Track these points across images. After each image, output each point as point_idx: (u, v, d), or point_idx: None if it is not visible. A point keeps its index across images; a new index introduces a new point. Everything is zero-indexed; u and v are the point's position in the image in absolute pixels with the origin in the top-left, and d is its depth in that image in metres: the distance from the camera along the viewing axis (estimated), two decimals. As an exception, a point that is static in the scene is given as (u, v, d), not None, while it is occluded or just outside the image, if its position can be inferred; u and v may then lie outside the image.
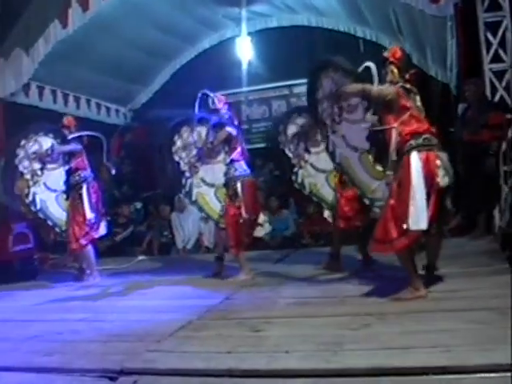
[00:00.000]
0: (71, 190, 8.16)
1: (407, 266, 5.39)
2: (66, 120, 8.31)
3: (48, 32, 10.00)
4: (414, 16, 9.55)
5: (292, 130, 7.44)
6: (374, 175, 6.16)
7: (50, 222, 8.51)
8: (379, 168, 6.03)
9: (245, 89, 13.10)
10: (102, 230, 8.27)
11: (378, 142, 5.74)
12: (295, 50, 12.44)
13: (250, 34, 12.55)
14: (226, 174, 7.43)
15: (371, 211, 6.47)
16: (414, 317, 4.63)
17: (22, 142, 8.49)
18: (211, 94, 7.58)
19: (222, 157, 7.70)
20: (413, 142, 5.27)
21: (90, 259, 8.22)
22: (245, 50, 12.51)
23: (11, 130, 9.95)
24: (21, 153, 8.43)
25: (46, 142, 8.48)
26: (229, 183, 7.36)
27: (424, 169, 5.19)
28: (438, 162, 5.26)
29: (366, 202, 6.36)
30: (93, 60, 11.47)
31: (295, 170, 7.41)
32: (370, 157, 6.12)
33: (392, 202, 5.30)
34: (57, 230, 8.59)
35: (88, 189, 8.04)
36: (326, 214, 7.34)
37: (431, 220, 5.21)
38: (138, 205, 12.22)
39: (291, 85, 12.96)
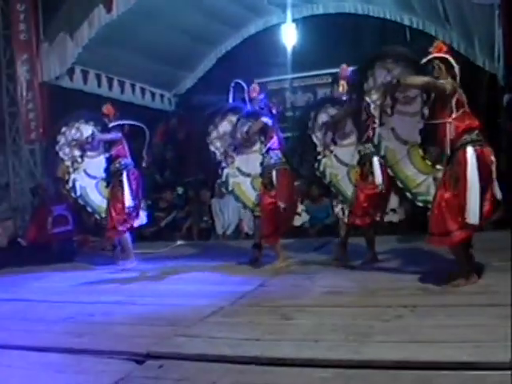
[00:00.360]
0: (111, 177, 8.16)
1: (459, 257, 5.47)
2: (105, 108, 8.27)
3: (92, 16, 10.10)
4: (462, 4, 9.36)
5: (323, 118, 7.25)
6: (421, 169, 6.06)
7: (89, 209, 8.51)
8: (428, 162, 5.99)
9: (289, 76, 12.98)
10: (143, 218, 8.27)
11: (430, 136, 5.74)
12: (341, 37, 12.24)
13: (295, 20, 12.39)
14: (261, 163, 7.39)
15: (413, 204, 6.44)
16: (446, 310, 4.53)
17: (63, 129, 8.48)
18: (244, 84, 7.56)
19: (257, 146, 7.62)
20: (467, 137, 5.31)
21: (126, 245, 8.22)
22: (290, 37, 12.35)
23: (56, 114, 10.07)
24: (62, 139, 8.42)
25: (87, 130, 8.45)
26: (264, 172, 7.33)
27: (479, 164, 5.22)
28: (493, 158, 5.31)
29: (408, 196, 6.23)
30: (137, 45, 11.48)
31: (319, 157, 7.25)
32: (420, 151, 6.03)
33: (447, 195, 5.32)
34: (96, 216, 8.59)
35: (128, 176, 8.02)
36: (337, 209, 7.20)
37: (487, 215, 5.34)
38: (180, 190, 12.21)
39: (336, 72, 12.76)
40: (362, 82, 6.19)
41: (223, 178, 7.72)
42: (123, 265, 8.08)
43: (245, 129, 7.47)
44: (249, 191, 7.68)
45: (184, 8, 11.10)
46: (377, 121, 6.09)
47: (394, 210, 9.33)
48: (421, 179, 6.05)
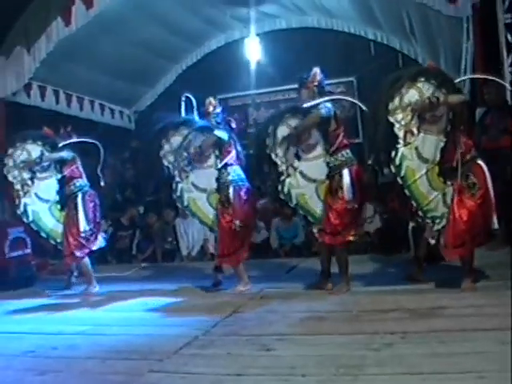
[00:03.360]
0: (66, 200, 7.80)
1: (471, 261, 5.89)
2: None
3: (50, 30, 9.67)
4: (429, 17, 9.25)
5: (283, 132, 6.73)
6: (434, 186, 6.02)
7: (43, 234, 8.06)
8: (441, 179, 5.99)
9: (252, 91, 12.74)
10: (100, 242, 7.90)
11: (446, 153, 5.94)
12: (305, 52, 12.01)
13: (258, 35, 12.17)
14: (218, 178, 7.14)
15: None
16: (439, 337, 4.26)
17: (10, 151, 8.05)
18: (193, 98, 7.46)
19: (212, 161, 7.38)
20: (473, 152, 5.87)
21: (87, 270, 7.83)
22: (253, 52, 12.13)
23: (13, 131, 9.64)
24: (9, 162, 7.99)
25: (35, 150, 8.01)
26: (221, 188, 7.07)
27: None
28: None
29: (420, 213, 6.12)
30: (97, 60, 11.14)
31: (282, 178, 6.76)
32: (436, 168, 5.99)
33: (468, 205, 5.76)
34: (51, 242, 8.14)
35: (84, 198, 7.68)
36: (316, 229, 6.86)
37: None
38: (141, 209, 11.84)
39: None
40: (388, 101, 6.00)
41: (178, 193, 7.43)
42: (85, 290, 7.69)
43: (198, 143, 7.23)
44: (205, 207, 7.40)
45: (144, 23, 10.78)
46: (401, 141, 5.97)
47: (368, 219, 9.15)
48: (432, 196, 6.01)
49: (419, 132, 5.94)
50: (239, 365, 4.01)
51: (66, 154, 7.76)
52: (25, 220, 7.98)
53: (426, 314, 4.99)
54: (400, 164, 5.96)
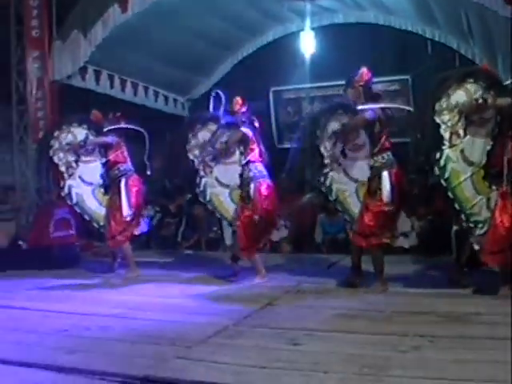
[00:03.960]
0: (110, 184, 7.93)
1: (509, 268, 5.72)
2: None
3: (107, 16, 9.78)
4: (486, 18, 9.03)
5: (333, 127, 6.82)
6: (479, 190, 5.95)
7: (86, 217, 8.24)
8: (486, 183, 5.91)
9: (307, 85, 12.67)
10: (142, 227, 8.02)
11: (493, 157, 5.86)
12: (361, 47, 11.92)
13: (314, 28, 12.07)
14: (241, 175, 7.23)
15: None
16: (467, 343, 4.23)
17: (56, 133, 8.24)
18: (222, 95, 7.52)
19: (236, 157, 7.52)
20: None
21: (128, 254, 7.94)
22: (309, 45, 12.03)
23: (66, 113, 9.82)
24: (55, 144, 8.17)
25: (81, 133, 8.22)
26: (243, 184, 7.16)
27: None
28: None
29: (463, 217, 6.04)
30: (152, 47, 11.19)
31: (326, 171, 6.87)
32: (482, 172, 5.91)
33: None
34: (94, 224, 8.30)
35: (127, 183, 7.75)
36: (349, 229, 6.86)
37: None
38: (188, 197, 11.90)
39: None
40: (435, 101, 5.96)
41: (201, 188, 7.62)
42: (125, 274, 7.80)
43: (224, 139, 7.36)
44: (226, 203, 7.62)
45: (201, 12, 10.79)
46: (446, 142, 5.92)
47: (405, 235, 9.05)
48: (476, 200, 5.93)
49: (466, 134, 5.87)
50: (264, 357, 4.01)
51: (109, 139, 7.84)
52: (69, 202, 8.16)
53: (458, 319, 4.94)
54: (444, 166, 5.90)
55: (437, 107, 5.92)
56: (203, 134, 7.65)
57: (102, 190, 8.10)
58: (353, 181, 6.76)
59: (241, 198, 7.18)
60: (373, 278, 6.56)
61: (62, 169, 8.12)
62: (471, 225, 5.97)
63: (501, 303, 5.32)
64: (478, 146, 5.89)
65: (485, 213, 5.86)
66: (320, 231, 10.13)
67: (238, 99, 7.38)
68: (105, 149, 7.97)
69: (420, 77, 11.39)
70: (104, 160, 7.99)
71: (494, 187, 5.82)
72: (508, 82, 5.85)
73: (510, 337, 4.07)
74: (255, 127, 7.29)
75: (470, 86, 5.87)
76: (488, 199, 5.85)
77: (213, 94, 7.61)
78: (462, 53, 11.01)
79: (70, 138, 8.15)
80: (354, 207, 6.67)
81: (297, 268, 7.92)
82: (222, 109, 7.52)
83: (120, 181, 7.75)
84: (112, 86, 11.67)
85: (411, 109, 6.80)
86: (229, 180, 7.55)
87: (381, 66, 12.35)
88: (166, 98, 13.57)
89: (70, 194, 8.11)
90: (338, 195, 6.80)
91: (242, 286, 7.00)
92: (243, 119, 7.24)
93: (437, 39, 11.39)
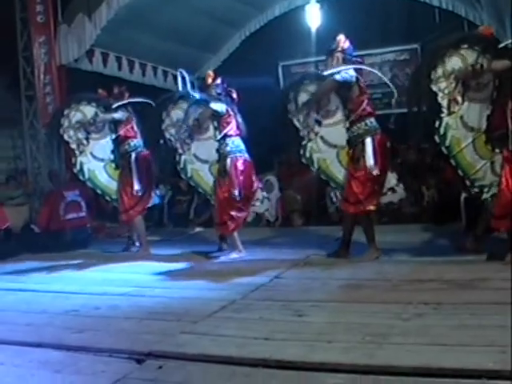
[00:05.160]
0: (121, 159, 8.00)
1: None
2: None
3: (111, -3, 9.82)
4: (494, -18, 8.98)
5: (303, 98, 6.82)
6: (481, 155, 5.95)
7: (98, 191, 8.35)
8: (489, 147, 5.89)
9: (315, 58, 12.60)
10: (154, 200, 8.11)
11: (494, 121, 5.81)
12: (367, 19, 11.90)
13: (319, 1, 12.00)
14: (217, 149, 7.28)
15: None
16: (472, 309, 4.22)
17: (65, 112, 8.31)
18: (185, 73, 7.78)
19: (211, 133, 7.62)
20: None
21: (140, 230, 8.05)
22: (315, 18, 11.98)
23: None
24: (65, 122, 8.24)
25: (90, 112, 8.28)
26: (220, 159, 7.22)
27: None
28: None
29: (467, 183, 6.07)
30: (159, 26, 11.22)
31: (304, 142, 6.87)
32: (483, 136, 5.90)
33: None
34: (107, 198, 8.40)
35: (137, 158, 7.83)
36: (332, 194, 6.88)
37: None
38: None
39: (362, 55, 12.38)
40: (430, 70, 5.97)
41: (181, 165, 7.77)
42: (137, 252, 7.89)
43: (196, 116, 7.45)
44: (207, 178, 7.76)
45: (208, -11, 10.82)
46: (445, 110, 5.93)
47: (392, 189, 9.06)
48: (480, 165, 5.94)
49: (464, 100, 5.84)
50: (268, 329, 4.06)
51: (118, 115, 7.91)
52: (81, 178, 8.27)
53: (463, 286, 4.94)
54: (445, 133, 5.90)
55: (433, 75, 5.91)
56: (176, 113, 7.80)
57: (114, 165, 8.21)
58: (332, 147, 6.78)
59: (218, 172, 7.23)
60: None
61: (73, 146, 8.22)
62: (476, 190, 5.98)
63: (507, 269, 5.31)
64: (477, 112, 5.86)
65: (490, 177, 5.86)
66: (330, 203, 10.10)
67: (210, 72, 7.55)
68: (115, 125, 8.05)
69: (428, 46, 11.34)
70: (114, 136, 8.08)
71: (497, 151, 5.78)
72: (503, 44, 5.76)
73: (511, 301, 4.08)
74: (233, 99, 7.30)
75: (465, 52, 5.84)
76: (492, 163, 5.83)
77: (178, 73, 7.83)
78: (471, 19, 10.90)
79: (79, 116, 8.25)
80: (338, 173, 6.74)
81: (307, 241, 7.93)
82: (189, 86, 7.72)
83: (130, 156, 7.84)
84: (120, 68, 11.73)
85: (389, 82, 6.86)
86: (207, 155, 7.68)
87: (389, 36, 12.34)
88: (175, 77, 13.55)
89: (81, 170, 8.21)
90: (320, 164, 6.86)
91: (250, 260, 7.01)
92: (218, 91, 7.24)
93: (444, 7, 11.29)
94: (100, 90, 8.23)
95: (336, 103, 6.66)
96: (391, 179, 8.70)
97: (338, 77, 6.23)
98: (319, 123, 6.77)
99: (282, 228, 10.09)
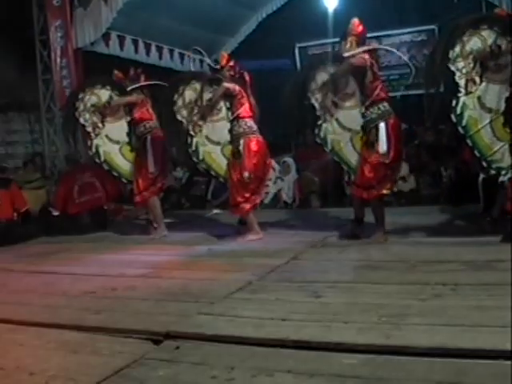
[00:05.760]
0: (136, 141, 8.03)
1: None
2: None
3: (126, -21, 9.81)
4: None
5: (322, 77, 6.79)
6: (499, 136, 5.86)
7: (114, 173, 8.36)
8: (507, 129, 5.78)
9: (331, 40, 12.53)
10: (169, 181, 8.10)
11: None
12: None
13: (337, -18, 11.95)
14: (230, 130, 7.22)
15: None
16: (490, 289, 4.18)
17: (81, 95, 8.32)
18: (203, 51, 7.84)
19: (224, 113, 7.58)
20: None
21: (155, 212, 8.06)
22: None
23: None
24: (80, 106, 8.26)
25: (105, 95, 8.30)
26: (233, 140, 7.16)
27: None
28: None
29: (484, 164, 5.98)
30: (175, 9, 11.23)
31: (319, 122, 6.84)
32: (501, 118, 5.81)
33: None
34: (123, 180, 8.42)
35: (152, 140, 7.84)
36: (346, 179, 6.85)
37: None
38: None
39: (380, 36, 12.33)
40: (447, 49, 5.88)
41: (193, 147, 7.65)
42: (154, 233, 7.93)
43: (208, 96, 7.40)
44: (220, 159, 7.67)
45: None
46: (462, 90, 5.85)
47: (403, 179, 9.01)
48: (497, 147, 5.85)
49: (482, 81, 5.77)
50: (285, 310, 4.06)
51: (133, 98, 7.93)
52: (97, 160, 8.29)
53: (482, 267, 4.91)
54: (461, 113, 5.84)
55: (450, 54, 5.84)
56: (189, 94, 7.70)
57: (129, 147, 8.23)
58: (346, 130, 6.76)
59: (232, 154, 7.18)
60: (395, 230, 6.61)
61: (89, 129, 8.24)
62: (493, 172, 5.92)
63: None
64: (495, 93, 5.78)
65: (508, 159, 5.77)
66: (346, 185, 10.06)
67: (224, 54, 7.49)
68: (130, 107, 8.06)
69: (447, 26, 11.23)
70: (129, 118, 8.11)
71: None
72: None
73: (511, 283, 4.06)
74: (245, 81, 7.24)
75: (485, 33, 5.76)
76: (510, 145, 5.73)
77: (191, 51, 7.74)
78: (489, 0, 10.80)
79: (94, 99, 8.26)
80: (351, 157, 6.71)
81: (324, 222, 7.93)
82: (207, 60, 7.89)
83: (146, 138, 7.85)
84: (136, 51, 11.76)
85: (409, 62, 6.75)
86: (219, 137, 7.62)
87: (407, 17, 12.28)
88: (193, 60, 13.54)
89: (97, 152, 8.23)
90: (334, 146, 6.84)
91: (267, 242, 6.99)
92: (231, 73, 7.19)
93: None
94: (116, 72, 8.21)
95: (353, 88, 6.62)
96: (404, 168, 8.65)
97: (353, 60, 6.21)
98: (336, 105, 6.72)
99: (300, 210, 10.07)
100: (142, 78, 8.05)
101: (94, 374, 3.24)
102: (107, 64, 10.57)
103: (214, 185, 11.16)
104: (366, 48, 6.27)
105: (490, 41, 5.72)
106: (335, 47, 12.75)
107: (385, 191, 6.42)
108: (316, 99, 6.82)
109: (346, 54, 6.28)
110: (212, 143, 7.70)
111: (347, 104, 6.77)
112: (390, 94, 8.82)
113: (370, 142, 6.29)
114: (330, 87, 6.62)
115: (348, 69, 6.34)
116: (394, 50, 7.73)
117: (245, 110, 7.08)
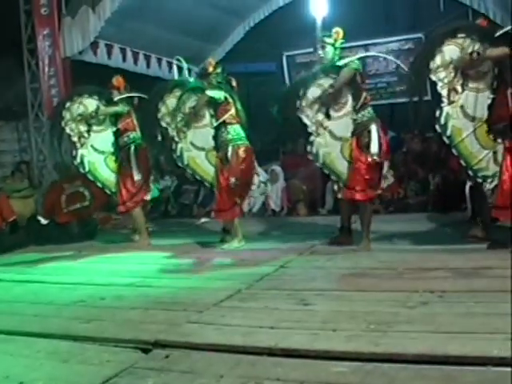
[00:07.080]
0: (120, 151, 8.05)
1: None
2: (115, 80, 8.10)
3: (115, -11, 9.82)
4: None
5: (313, 92, 6.67)
6: (484, 145, 5.91)
7: (99, 184, 8.32)
8: (491, 137, 5.85)
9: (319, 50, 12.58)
10: (153, 192, 8.11)
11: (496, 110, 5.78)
12: (372, 8, 11.90)
13: (325, -10, 11.98)
14: (215, 137, 7.31)
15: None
16: (477, 297, 4.22)
17: (67, 105, 8.30)
18: (183, 61, 7.98)
19: (207, 120, 7.61)
20: None
21: (138, 221, 8.10)
22: (320, 8, 11.94)
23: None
24: (67, 115, 8.24)
25: (91, 104, 8.27)
26: (221, 147, 7.22)
27: None
28: None
29: (470, 173, 6.07)
30: (163, 18, 11.22)
31: (311, 139, 6.74)
32: (485, 126, 5.87)
33: None
34: (106, 191, 8.37)
35: (136, 150, 7.90)
36: (335, 187, 6.84)
37: None
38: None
39: (367, 44, 12.40)
40: (428, 59, 5.94)
41: (177, 153, 7.74)
42: (137, 242, 7.98)
43: (192, 103, 7.47)
44: (204, 165, 7.73)
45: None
46: (445, 100, 5.89)
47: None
48: (482, 155, 5.90)
49: (464, 90, 5.82)
50: (274, 318, 4.07)
51: (120, 108, 7.96)
52: (81, 170, 8.26)
53: (469, 274, 4.95)
54: (445, 123, 5.88)
55: (431, 65, 5.90)
56: (171, 102, 7.76)
57: (114, 157, 8.22)
58: (337, 140, 6.67)
59: (220, 160, 7.19)
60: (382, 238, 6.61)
61: (74, 139, 8.21)
62: (479, 180, 5.96)
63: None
64: (477, 101, 5.84)
65: (493, 167, 5.83)
66: (330, 198, 10.03)
67: (211, 61, 7.54)
68: (115, 118, 8.08)
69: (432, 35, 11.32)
70: (115, 128, 8.11)
71: (499, 140, 5.76)
72: (501, 32, 5.74)
73: (510, 289, 4.09)
74: (232, 87, 7.30)
75: (463, 41, 5.81)
76: (494, 153, 5.81)
77: (175, 60, 8.00)
78: (475, 8, 10.88)
79: (81, 108, 8.23)
80: (341, 166, 6.64)
81: (312, 230, 7.96)
82: (186, 73, 7.91)
83: (129, 148, 7.90)
84: (124, 60, 11.75)
85: (404, 66, 6.76)
86: (203, 143, 7.67)
87: (394, 25, 12.32)
88: (180, 69, 13.54)
89: (82, 162, 8.20)
90: (325, 159, 6.73)
91: (255, 250, 7.01)
92: (218, 80, 7.24)
93: (448, -4, 11.30)
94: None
95: (346, 95, 6.56)
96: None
97: (354, 65, 6.29)
98: (329, 117, 6.69)
99: (287, 217, 10.11)
100: (127, 87, 8.13)
101: (84, 383, 3.25)
102: (95, 73, 10.62)
103: (204, 193, 11.20)
104: (362, 55, 6.34)
105: (468, 49, 5.75)
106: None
107: (379, 191, 6.58)
108: (307, 116, 6.72)
109: (345, 61, 6.33)
110: (196, 149, 7.75)
111: (340, 113, 6.67)
112: (378, 102, 8.89)
113: (362, 143, 6.34)
114: (327, 99, 6.56)
115: (350, 74, 6.36)
116: (388, 56, 7.76)
117: (231, 115, 7.12)
